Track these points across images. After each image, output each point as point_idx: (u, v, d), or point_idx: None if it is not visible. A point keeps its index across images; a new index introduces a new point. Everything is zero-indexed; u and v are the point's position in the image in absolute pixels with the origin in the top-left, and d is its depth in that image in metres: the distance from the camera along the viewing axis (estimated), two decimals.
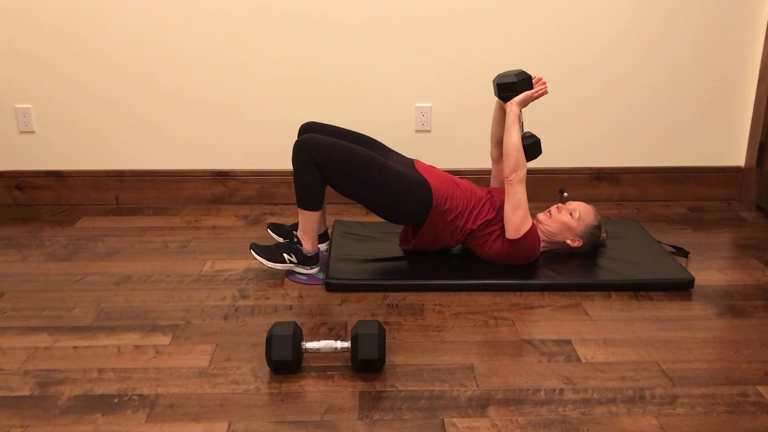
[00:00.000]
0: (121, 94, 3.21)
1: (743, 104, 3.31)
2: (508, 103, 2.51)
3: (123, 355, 2.07)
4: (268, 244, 2.75)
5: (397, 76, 3.22)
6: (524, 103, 2.51)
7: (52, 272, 2.63)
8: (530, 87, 2.52)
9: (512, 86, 2.49)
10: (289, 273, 2.61)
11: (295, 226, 2.78)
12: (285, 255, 2.53)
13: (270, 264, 2.52)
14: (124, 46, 3.14)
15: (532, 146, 2.55)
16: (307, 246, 2.54)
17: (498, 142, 2.74)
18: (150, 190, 3.35)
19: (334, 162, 2.39)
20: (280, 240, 2.81)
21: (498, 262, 2.59)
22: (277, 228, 2.83)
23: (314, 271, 2.60)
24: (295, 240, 2.54)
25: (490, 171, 3.34)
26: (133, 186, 3.35)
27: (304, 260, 2.56)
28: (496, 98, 2.60)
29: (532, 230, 2.53)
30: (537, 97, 2.53)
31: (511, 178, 2.47)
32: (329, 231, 2.98)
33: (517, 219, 2.50)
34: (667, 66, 3.24)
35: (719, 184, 3.43)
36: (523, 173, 2.47)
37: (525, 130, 2.51)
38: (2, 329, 2.21)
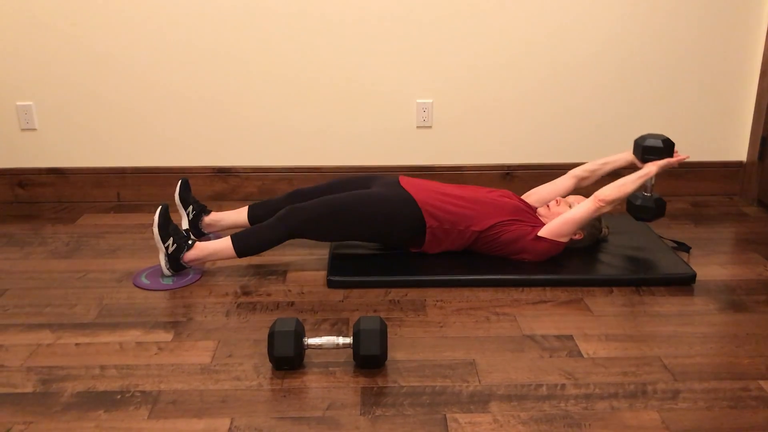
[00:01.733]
0: (123, 91, 3.21)
1: (745, 99, 3.31)
2: (649, 164, 2.57)
3: (125, 352, 2.07)
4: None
5: (398, 71, 3.21)
6: (663, 169, 2.57)
7: (54, 269, 2.63)
8: (671, 155, 2.59)
9: (657, 151, 2.58)
10: (136, 277, 2.53)
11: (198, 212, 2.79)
12: (171, 239, 2.45)
13: (155, 230, 2.43)
14: (125, 43, 3.14)
15: (661, 208, 2.65)
16: (191, 257, 2.48)
17: (593, 171, 2.80)
18: (151, 186, 3.36)
19: (315, 224, 2.47)
20: (179, 201, 2.77)
21: (503, 252, 2.58)
22: (186, 192, 2.78)
23: (168, 274, 2.51)
24: (190, 242, 2.50)
25: (491, 167, 3.35)
26: (134, 183, 3.35)
27: (175, 261, 2.48)
28: (628, 154, 2.72)
29: (559, 245, 2.55)
30: (675, 166, 2.62)
31: (600, 200, 2.49)
32: None
33: (563, 228, 2.52)
34: (669, 61, 3.23)
35: (721, 179, 3.43)
36: (606, 210, 2.51)
37: (654, 193, 2.67)
38: (5, 326, 2.22)
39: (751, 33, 3.20)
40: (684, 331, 2.19)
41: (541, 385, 1.91)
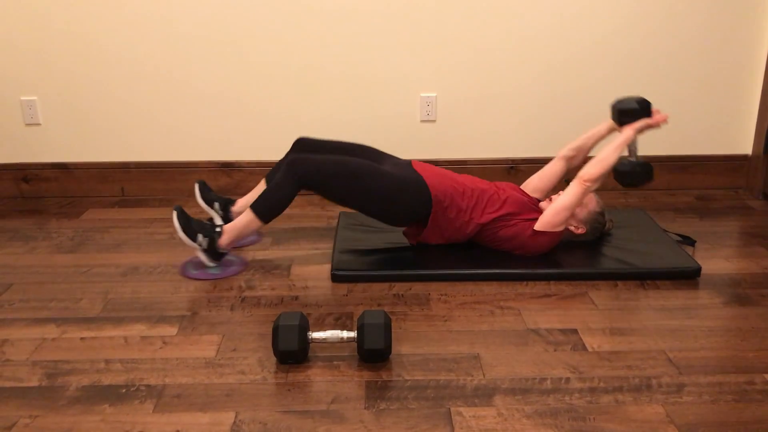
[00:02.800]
0: (127, 85, 3.21)
1: (750, 92, 3.29)
2: (626, 128, 2.53)
3: (130, 346, 2.08)
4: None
5: (402, 65, 3.21)
6: (640, 131, 2.52)
7: (59, 264, 2.63)
8: (649, 114, 2.54)
9: (633, 113, 2.52)
10: (184, 268, 2.56)
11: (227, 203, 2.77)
12: (199, 235, 2.46)
13: (181, 234, 2.44)
14: (129, 38, 3.14)
15: (647, 170, 2.56)
16: (224, 241, 2.49)
17: (579, 147, 2.76)
18: (156, 181, 3.36)
19: (325, 180, 2.42)
20: (204, 203, 2.77)
21: (503, 247, 2.58)
22: (207, 192, 2.77)
23: (212, 266, 2.53)
24: (218, 229, 2.49)
25: (495, 160, 3.34)
26: (138, 177, 3.35)
27: (212, 252, 2.49)
28: (608, 121, 2.67)
29: (557, 235, 2.55)
30: (654, 127, 2.54)
31: (585, 180, 2.47)
32: (336, 222, 2.98)
33: (557, 218, 2.51)
34: (674, 54, 3.22)
35: (726, 173, 3.41)
36: (594, 187, 2.49)
37: (638, 156, 2.60)
38: (10, 321, 2.22)
39: (756, 26, 3.18)
40: (689, 325, 2.18)
41: (545, 379, 1.91)
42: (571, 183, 2.53)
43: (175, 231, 2.46)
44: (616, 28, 3.17)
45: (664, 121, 2.53)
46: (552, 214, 2.52)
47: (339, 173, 2.42)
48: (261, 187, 2.74)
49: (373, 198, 2.46)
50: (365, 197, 2.46)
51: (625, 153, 2.58)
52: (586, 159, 2.81)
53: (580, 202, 2.53)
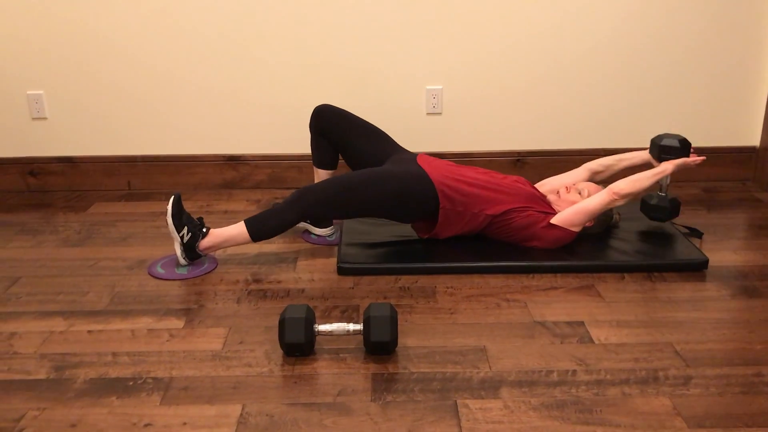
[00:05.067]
0: (133, 79, 3.21)
1: (758, 84, 3.27)
2: (665, 163, 2.57)
3: (137, 339, 2.08)
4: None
5: (408, 58, 3.20)
6: (678, 168, 2.56)
7: (65, 257, 2.64)
8: (687, 154, 2.59)
9: (674, 151, 2.58)
10: (153, 266, 2.54)
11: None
12: (186, 228, 2.45)
13: (169, 220, 2.42)
14: (135, 32, 3.14)
15: (676, 208, 2.67)
16: (206, 245, 2.47)
17: (609, 167, 2.80)
18: (162, 175, 3.36)
19: (331, 210, 2.45)
20: (317, 229, 2.80)
21: (515, 238, 2.58)
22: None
23: (184, 263, 2.50)
24: (204, 230, 2.47)
25: (501, 153, 3.34)
26: (145, 171, 3.36)
27: (190, 250, 2.47)
28: (645, 153, 2.73)
29: (570, 234, 2.55)
30: (689, 167, 2.59)
31: (615, 193, 2.49)
32: None
33: (576, 217, 2.52)
34: (681, 46, 3.20)
35: (734, 165, 3.40)
36: (619, 203, 2.51)
37: (668, 192, 2.68)
38: (18, 314, 2.23)
39: (764, 17, 3.16)
40: (696, 317, 2.18)
41: (552, 372, 1.90)
42: (601, 191, 2.54)
43: (164, 213, 2.42)
44: (623, 20, 3.15)
45: (701, 162, 2.59)
46: (573, 213, 2.52)
47: (339, 194, 2.43)
48: (322, 174, 2.79)
49: (379, 203, 2.47)
50: (371, 204, 2.47)
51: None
52: (610, 180, 2.81)
53: (601, 211, 2.54)
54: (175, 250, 2.52)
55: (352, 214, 2.51)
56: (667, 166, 2.56)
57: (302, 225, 2.76)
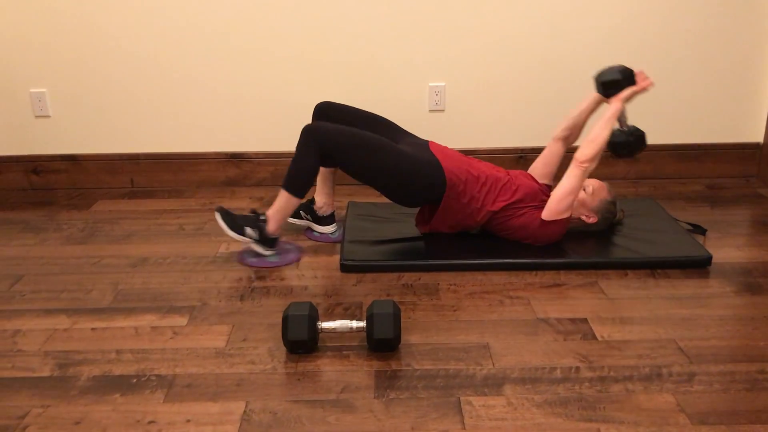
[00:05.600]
0: (135, 77, 3.22)
1: (761, 80, 3.26)
2: (612, 99, 2.50)
3: (140, 337, 2.09)
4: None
5: (411, 54, 3.20)
6: (628, 100, 2.50)
7: (69, 255, 2.65)
8: (634, 82, 2.50)
9: (617, 83, 2.48)
10: (243, 255, 2.57)
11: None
12: (248, 228, 2.50)
13: (230, 232, 2.49)
14: (138, 29, 3.14)
15: (640, 139, 2.54)
16: (272, 227, 2.51)
17: (572, 126, 2.74)
18: (165, 173, 3.37)
19: (341, 147, 2.40)
20: (300, 221, 2.82)
21: (513, 237, 2.57)
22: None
23: (268, 253, 2.57)
24: (262, 217, 2.52)
25: (504, 150, 3.33)
26: (148, 169, 3.36)
27: (264, 240, 2.53)
28: (595, 93, 2.64)
29: (564, 222, 2.54)
30: (641, 93, 2.51)
31: (582, 162, 2.46)
32: (344, 212, 2.98)
33: (561, 204, 2.50)
34: (685, 42, 3.19)
35: (737, 161, 3.39)
36: (592, 166, 2.47)
37: (629, 124, 2.57)
38: (22, 311, 2.24)
39: (767, 14, 3.15)
40: (700, 314, 2.17)
41: (555, 368, 1.90)
42: (569, 167, 2.51)
43: (223, 231, 2.49)
44: (626, 17, 3.14)
45: (651, 85, 2.49)
46: (556, 201, 2.51)
47: (354, 145, 2.41)
48: (324, 172, 2.74)
49: (387, 175, 2.44)
50: (380, 173, 2.44)
51: (616, 125, 2.56)
52: (584, 136, 2.77)
53: (581, 185, 2.50)
54: (254, 250, 2.56)
55: (358, 168, 2.44)
56: (617, 104, 2.48)
57: (305, 223, 2.76)
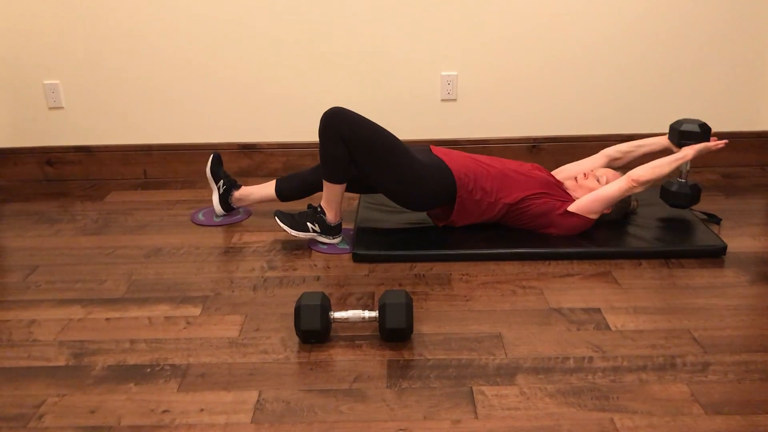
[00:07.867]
0: (148, 69, 3.22)
1: None
2: (686, 148, 2.55)
3: (154, 326, 2.10)
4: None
5: (423, 44, 3.18)
6: (699, 153, 2.54)
7: (83, 246, 2.66)
8: (708, 140, 2.56)
9: (695, 135, 2.56)
10: (312, 242, 2.62)
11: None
12: (308, 224, 2.55)
13: (293, 232, 2.54)
14: (151, 21, 3.14)
15: (697, 195, 2.66)
16: (330, 216, 2.55)
17: (628, 153, 2.76)
18: (178, 163, 3.38)
19: (360, 138, 2.39)
20: (210, 175, 2.83)
21: (532, 225, 2.56)
22: (217, 166, 2.85)
23: (336, 241, 2.60)
24: (319, 210, 2.55)
25: (517, 139, 3.32)
26: (161, 160, 3.37)
27: (327, 230, 2.57)
28: (664, 138, 2.70)
29: (588, 222, 2.54)
30: (712, 150, 2.56)
31: (634, 180, 2.48)
32: (356, 202, 2.98)
33: (594, 205, 2.51)
34: (700, 31, 3.16)
35: (753, 150, 3.36)
36: (638, 190, 2.50)
37: (689, 179, 2.67)
38: (37, 302, 2.26)
39: None
40: (714, 304, 2.16)
41: (568, 358, 1.90)
42: (620, 178, 2.53)
43: (287, 232, 2.57)
44: (643, 5, 3.11)
45: (722, 146, 2.55)
46: (590, 200, 2.51)
47: (374, 138, 2.40)
48: (269, 186, 2.77)
49: (400, 174, 2.44)
50: (393, 171, 2.43)
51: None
52: (628, 166, 2.78)
53: (620, 199, 2.53)
54: (319, 241, 2.60)
55: (371, 163, 2.43)
56: (688, 152, 2.53)
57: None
